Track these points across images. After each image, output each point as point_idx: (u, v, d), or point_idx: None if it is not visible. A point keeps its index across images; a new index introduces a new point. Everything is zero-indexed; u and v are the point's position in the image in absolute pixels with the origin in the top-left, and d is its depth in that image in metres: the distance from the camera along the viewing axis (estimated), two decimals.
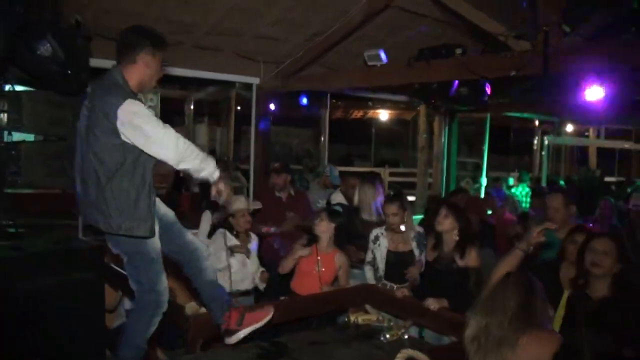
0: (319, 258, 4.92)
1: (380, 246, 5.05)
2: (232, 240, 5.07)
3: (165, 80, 9.42)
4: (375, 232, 5.12)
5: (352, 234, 5.52)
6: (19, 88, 5.45)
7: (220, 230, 5.16)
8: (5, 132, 5.80)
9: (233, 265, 5.03)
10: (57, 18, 5.07)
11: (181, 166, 3.15)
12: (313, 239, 5.00)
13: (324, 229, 4.98)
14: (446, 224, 4.54)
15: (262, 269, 5.28)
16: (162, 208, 3.63)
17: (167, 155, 3.10)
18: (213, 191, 3.35)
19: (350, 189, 6.35)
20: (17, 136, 5.77)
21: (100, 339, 4.54)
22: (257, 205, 5.38)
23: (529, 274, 2.63)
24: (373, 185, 5.68)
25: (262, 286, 5.27)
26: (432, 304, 4.22)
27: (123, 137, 3.09)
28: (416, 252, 4.92)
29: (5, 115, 5.50)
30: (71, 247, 5.02)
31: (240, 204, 5.09)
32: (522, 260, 3.19)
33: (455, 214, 4.56)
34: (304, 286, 4.90)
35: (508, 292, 2.51)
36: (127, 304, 5.07)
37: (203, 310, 4.25)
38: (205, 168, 3.21)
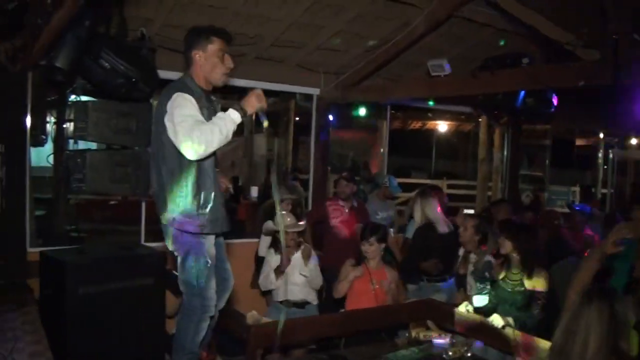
0: (371, 277, 4.86)
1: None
2: (276, 263, 5.08)
3: (225, 91, 9.59)
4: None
5: (429, 249, 5.45)
6: (84, 98, 5.60)
7: (270, 250, 5.21)
8: (71, 141, 5.98)
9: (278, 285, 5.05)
10: (123, 31, 5.21)
11: (210, 151, 3.15)
12: (361, 258, 4.96)
13: (374, 251, 4.92)
14: (506, 246, 4.40)
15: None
16: None
17: (186, 152, 3.12)
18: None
19: None
20: (82, 144, 5.93)
21: (159, 344, 4.60)
22: (300, 227, 5.33)
23: (610, 294, 2.49)
24: (435, 197, 5.64)
25: (309, 296, 5.24)
26: (498, 320, 4.11)
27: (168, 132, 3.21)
28: (469, 279, 4.79)
29: (72, 124, 5.65)
30: (135, 253, 5.13)
31: (284, 222, 5.08)
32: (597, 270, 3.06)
33: (511, 234, 4.41)
34: (361, 304, 4.81)
35: (590, 319, 2.39)
36: None
37: (265, 319, 4.27)
38: (230, 129, 3.19)
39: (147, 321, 4.79)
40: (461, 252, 5.04)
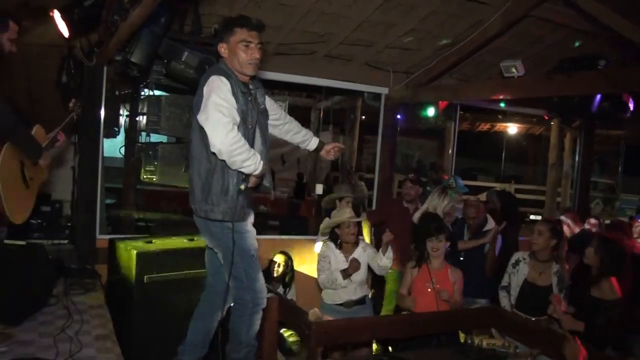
0: (432, 276, 4.75)
1: (519, 272, 4.86)
2: (340, 263, 5.03)
3: (293, 88, 9.63)
4: (516, 256, 4.94)
5: None
6: (157, 93, 5.73)
7: (328, 244, 5.13)
8: (144, 133, 6.13)
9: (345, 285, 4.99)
10: (197, 28, 5.29)
11: (226, 159, 3.09)
12: (422, 258, 4.85)
13: (439, 249, 4.81)
14: (591, 259, 4.31)
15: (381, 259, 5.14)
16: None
17: (213, 142, 3.04)
18: (251, 181, 3.32)
19: None
20: (154, 137, 6.07)
21: (219, 333, 4.66)
22: (361, 218, 5.25)
23: None
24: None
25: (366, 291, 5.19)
26: (568, 323, 3.99)
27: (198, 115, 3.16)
28: (555, 289, 4.63)
29: (144, 117, 5.79)
30: (201, 244, 5.21)
31: (344, 215, 5.03)
32: None
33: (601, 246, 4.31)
34: (420, 306, 4.69)
35: None
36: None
37: (326, 317, 4.25)
38: (247, 167, 3.15)
39: None
40: (525, 260, 4.89)
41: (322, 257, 5.07)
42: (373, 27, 6.14)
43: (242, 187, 3.27)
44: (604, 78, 5.07)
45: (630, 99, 6.26)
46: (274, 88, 10.56)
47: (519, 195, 14.20)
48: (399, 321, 4.30)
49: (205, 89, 3.18)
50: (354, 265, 4.89)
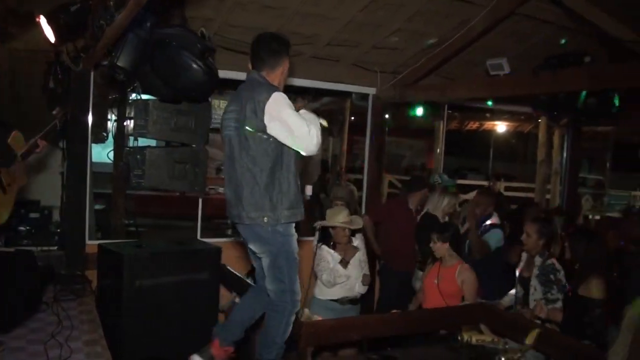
0: (439, 272, 4.86)
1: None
2: (337, 260, 5.10)
3: (284, 91, 9.62)
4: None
5: None
6: (144, 97, 5.71)
7: (322, 247, 5.20)
8: (132, 138, 6.11)
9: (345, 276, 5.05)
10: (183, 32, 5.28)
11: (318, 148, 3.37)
12: (429, 258, 4.98)
13: (438, 249, 4.90)
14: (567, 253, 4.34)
15: (365, 272, 5.27)
16: None
17: (309, 149, 3.31)
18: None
19: None
20: (142, 141, 6.06)
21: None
22: (358, 224, 5.31)
23: None
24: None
25: (363, 289, 5.29)
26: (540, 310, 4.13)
27: (269, 131, 3.29)
28: (534, 280, 4.68)
29: (132, 122, 5.78)
30: (191, 248, 5.22)
31: (340, 219, 5.09)
32: None
33: (572, 241, 4.35)
34: (426, 301, 4.92)
35: None
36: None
37: (316, 317, 4.27)
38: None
39: (201, 315, 4.86)
40: (523, 256, 4.93)
41: (319, 260, 5.18)
42: (359, 28, 6.14)
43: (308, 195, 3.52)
44: (590, 75, 5.09)
45: (617, 96, 6.29)
46: None
47: (509, 193, 14.33)
48: (388, 320, 4.31)
49: (271, 104, 3.29)
50: (351, 252, 5.13)
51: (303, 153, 3.33)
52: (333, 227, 5.15)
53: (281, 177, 3.37)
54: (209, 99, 5.14)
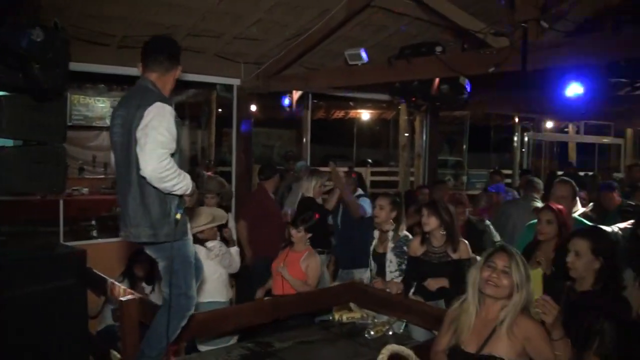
0: (286, 258, 5.00)
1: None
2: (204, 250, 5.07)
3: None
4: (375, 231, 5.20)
5: None
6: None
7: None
8: None
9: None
10: (35, 20, 5.01)
11: (156, 185, 3.17)
12: (287, 243, 5.08)
13: (296, 236, 5.02)
14: (431, 223, 4.51)
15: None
16: None
17: (147, 169, 3.10)
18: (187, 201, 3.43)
19: None
20: None
21: (84, 346, 4.49)
22: (221, 219, 5.29)
23: None
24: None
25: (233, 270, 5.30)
26: (432, 284, 4.30)
27: (137, 134, 3.17)
28: (389, 255, 4.90)
29: None
30: (54, 253, 4.95)
31: (203, 219, 5.07)
32: None
33: (437, 212, 4.53)
34: (274, 287, 5.03)
35: None
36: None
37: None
38: (179, 189, 3.26)
39: (70, 323, 4.63)
40: (376, 233, 5.13)
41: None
42: (220, 18, 6.13)
43: (179, 216, 3.36)
44: (441, 63, 5.40)
45: (468, 82, 6.69)
46: (119, 84, 10.24)
47: (375, 178, 14.88)
48: (261, 307, 4.37)
49: (146, 113, 3.16)
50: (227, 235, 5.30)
51: (141, 170, 3.13)
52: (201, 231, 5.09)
53: (154, 191, 3.27)
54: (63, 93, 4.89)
